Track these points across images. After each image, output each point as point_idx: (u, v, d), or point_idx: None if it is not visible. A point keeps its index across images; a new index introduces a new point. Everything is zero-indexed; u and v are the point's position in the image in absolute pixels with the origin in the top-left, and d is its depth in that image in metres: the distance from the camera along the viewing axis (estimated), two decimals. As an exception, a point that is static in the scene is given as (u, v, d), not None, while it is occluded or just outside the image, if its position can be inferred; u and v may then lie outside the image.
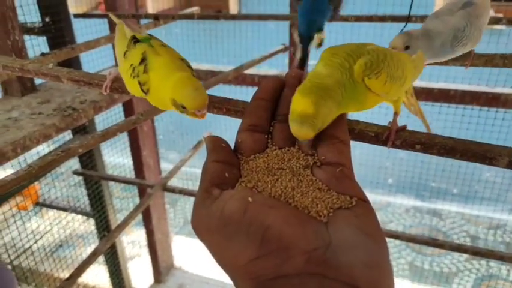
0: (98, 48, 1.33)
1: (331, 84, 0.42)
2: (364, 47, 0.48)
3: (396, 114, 0.55)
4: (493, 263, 3.62)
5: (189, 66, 0.54)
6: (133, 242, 3.95)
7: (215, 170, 0.38)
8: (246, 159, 0.41)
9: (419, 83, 2.01)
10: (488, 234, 4.01)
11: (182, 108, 0.48)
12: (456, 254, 3.70)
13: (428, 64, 0.87)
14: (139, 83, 0.53)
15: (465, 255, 3.66)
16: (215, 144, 0.41)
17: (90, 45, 1.21)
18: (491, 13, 0.87)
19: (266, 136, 0.43)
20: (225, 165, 0.39)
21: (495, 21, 1.34)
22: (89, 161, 2.53)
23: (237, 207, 0.33)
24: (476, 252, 1.77)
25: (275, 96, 0.45)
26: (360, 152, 3.48)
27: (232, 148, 0.42)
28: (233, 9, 3.85)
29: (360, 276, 0.30)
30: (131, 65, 0.54)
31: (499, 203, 3.86)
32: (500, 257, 1.73)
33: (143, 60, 0.53)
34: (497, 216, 4.08)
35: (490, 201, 3.97)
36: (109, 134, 0.83)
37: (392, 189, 4.29)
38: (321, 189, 0.38)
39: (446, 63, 0.89)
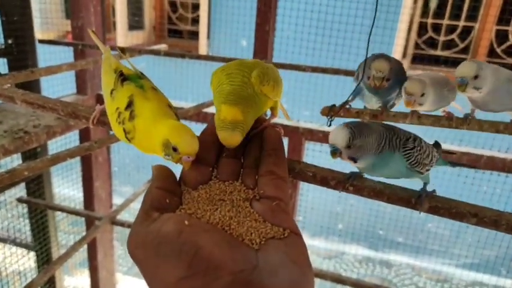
0: (60, 74, 1.32)
1: (247, 97, 0.49)
2: (246, 62, 0.54)
3: (273, 116, 0.58)
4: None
5: (176, 114, 0.54)
6: (76, 281, 3.69)
7: (157, 196, 0.40)
8: (189, 190, 0.44)
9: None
10: (437, 287, 4.12)
11: (173, 151, 0.47)
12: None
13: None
14: (124, 130, 0.52)
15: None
16: (160, 172, 0.43)
17: (51, 70, 1.20)
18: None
19: (211, 169, 0.46)
20: (167, 192, 0.41)
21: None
22: (37, 189, 2.41)
23: (173, 228, 0.36)
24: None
25: None
26: (312, 196, 3.56)
27: (178, 178, 0.44)
28: (202, 50, 4.00)
29: None
30: (117, 108, 0.53)
31: (447, 255, 4.00)
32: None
33: (129, 104, 0.52)
34: (445, 270, 4.21)
35: (439, 253, 4.11)
36: (59, 158, 0.81)
37: (342, 236, 4.37)
38: (257, 220, 0.41)
39: (396, 120, 0.95)
